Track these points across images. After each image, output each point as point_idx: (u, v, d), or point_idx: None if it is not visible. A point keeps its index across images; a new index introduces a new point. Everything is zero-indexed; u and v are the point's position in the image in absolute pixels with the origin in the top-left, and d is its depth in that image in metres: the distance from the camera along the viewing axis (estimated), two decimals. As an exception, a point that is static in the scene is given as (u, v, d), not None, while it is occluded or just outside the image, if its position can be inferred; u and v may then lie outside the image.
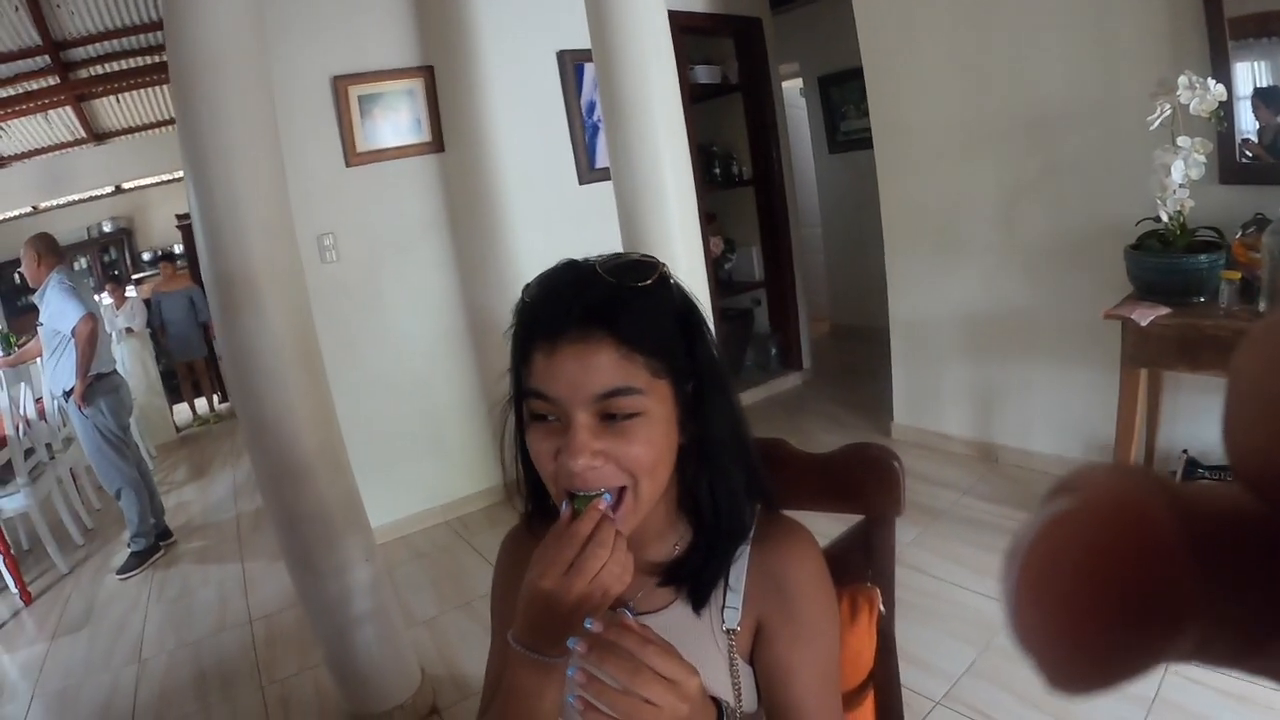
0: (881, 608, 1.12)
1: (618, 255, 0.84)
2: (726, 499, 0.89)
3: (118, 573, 4.09)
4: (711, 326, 0.90)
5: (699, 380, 0.85)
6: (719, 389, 0.87)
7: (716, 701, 0.76)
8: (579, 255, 0.86)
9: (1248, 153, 2.58)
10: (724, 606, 0.91)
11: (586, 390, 0.77)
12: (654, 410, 0.80)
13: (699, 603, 0.90)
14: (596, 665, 0.69)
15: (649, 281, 0.80)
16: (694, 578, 0.91)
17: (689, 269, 2.73)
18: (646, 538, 0.91)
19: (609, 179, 2.87)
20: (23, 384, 4.72)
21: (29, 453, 4.34)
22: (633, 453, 0.79)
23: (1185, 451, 2.83)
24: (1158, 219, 2.48)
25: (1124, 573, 0.27)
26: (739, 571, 0.91)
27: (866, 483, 1.15)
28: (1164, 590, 0.26)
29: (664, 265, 0.84)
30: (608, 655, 0.69)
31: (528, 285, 0.84)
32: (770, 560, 0.91)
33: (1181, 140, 2.30)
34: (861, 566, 1.18)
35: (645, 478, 0.81)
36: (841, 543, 1.18)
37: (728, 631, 0.90)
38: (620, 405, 0.78)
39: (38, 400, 4.86)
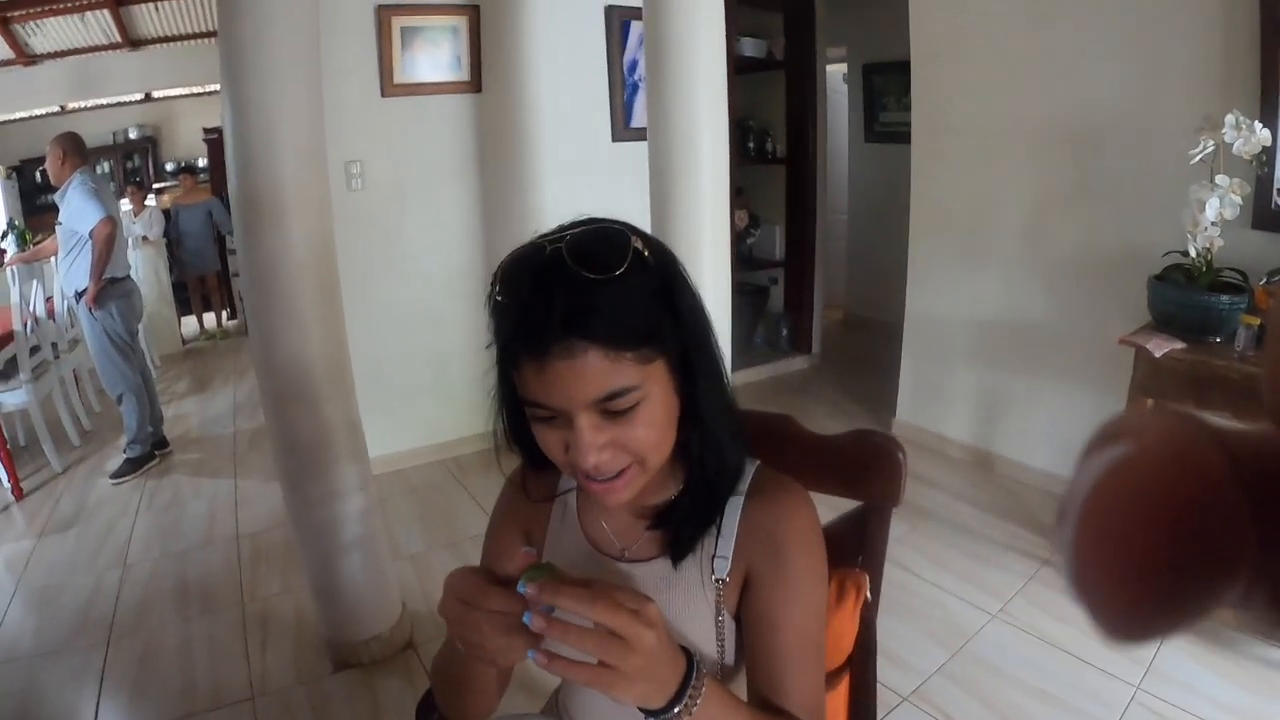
0: (868, 594, 1.13)
1: (587, 229, 0.79)
2: (713, 450, 0.90)
3: (111, 477, 4.12)
4: (723, 299, 0.90)
5: (685, 341, 0.84)
6: (704, 345, 0.86)
7: (685, 651, 0.75)
8: (596, 213, 0.84)
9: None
10: (714, 555, 0.92)
11: (582, 399, 0.77)
12: (652, 392, 0.80)
13: (678, 553, 0.92)
14: (551, 598, 0.68)
15: (623, 268, 0.76)
16: (678, 525, 0.92)
17: (713, 239, 2.71)
18: (647, 489, 0.92)
19: (643, 139, 2.85)
20: (35, 281, 4.72)
21: (34, 350, 4.35)
22: (637, 436, 0.80)
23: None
24: (1185, 253, 2.46)
25: (1186, 517, 0.27)
26: (731, 521, 0.92)
27: (868, 470, 1.15)
28: (1222, 533, 0.27)
29: (634, 235, 0.80)
30: (561, 590, 0.69)
31: (499, 274, 0.80)
32: (763, 512, 0.92)
33: (1220, 178, 2.28)
34: (853, 553, 1.18)
35: (652, 454, 0.83)
36: (836, 526, 1.19)
37: (717, 581, 0.91)
38: (617, 404, 0.78)
39: (48, 299, 4.86)
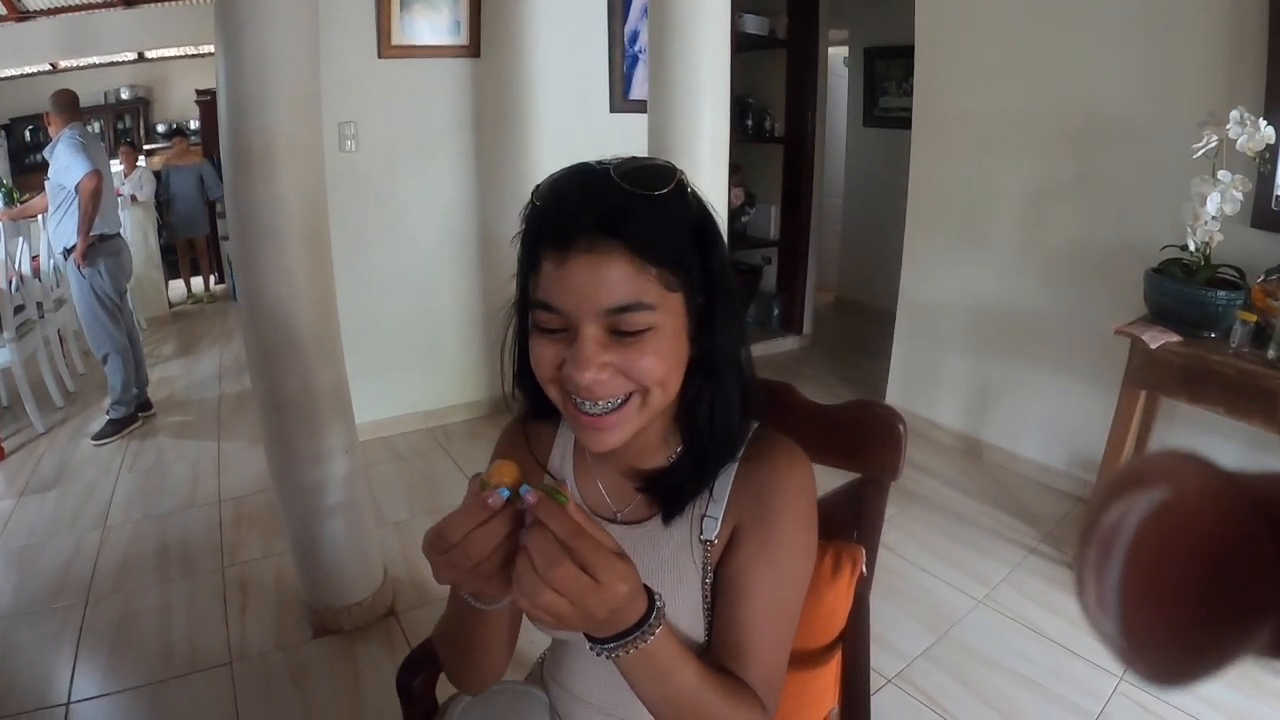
0: (864, 569, 1.11)
1: (635, 159, 0.80)
2: (722, 415, 0.87)
3: (93, 438, 4.07)
4: (726, 240, 0.89)
5: (710, 293, 0.83)
6: (729, 304, 0.84)
7: (649, 592, 0.72)
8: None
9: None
10: (704, 516, 0.89)
11: (596, 304, 0.74)
12: (665, 324, 0.78)
13: (670, 512, 0.89)
14: (545, 514, 0.65)
15: (665, 190, 0.77)
16: (671, 489, 0.89)
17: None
18: (644, 450, 0.91)
19: (641, 111, 2.82)
20: (21, 239, 4.66)
21: (19, 309, 4.30)
22: (643, 365, 0.77)
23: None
24: (1184, 247, 2.45)
25: (1228, 565, 0.27)
26: (724, 484, 0.90)
27: (868, 441, 1.13)
28: (1258, 580, 0.26)
29: (682, 173, 0.80)
30: (533, 534, 0.65)
31: (538, 187, 0.80)
32: (757, 471, 0.89)
33: (1222, 174, 2.27)
34: (848, 526, 1.16)
35: (656, 388, 0.79)
36: (832, 499, 1.17)
37: (705, 543, 0.88)
38: (630, 321, 0.75)
39: (34, 257, 4.81)
